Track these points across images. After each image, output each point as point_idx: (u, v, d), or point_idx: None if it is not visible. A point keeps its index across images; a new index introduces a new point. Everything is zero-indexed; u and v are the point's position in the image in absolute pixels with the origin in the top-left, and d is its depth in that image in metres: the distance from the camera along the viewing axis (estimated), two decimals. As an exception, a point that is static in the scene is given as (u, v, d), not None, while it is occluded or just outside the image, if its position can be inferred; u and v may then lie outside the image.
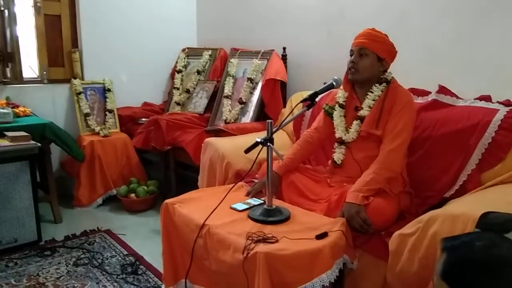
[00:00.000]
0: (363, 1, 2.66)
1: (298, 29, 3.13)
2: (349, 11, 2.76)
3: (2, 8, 3.08)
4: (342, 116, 2.06)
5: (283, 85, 3.13)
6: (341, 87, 2.07)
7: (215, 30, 3.94)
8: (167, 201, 1.88)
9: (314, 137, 2.16)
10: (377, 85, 1.95)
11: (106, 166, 3.29)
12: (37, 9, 3.35)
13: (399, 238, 1.52)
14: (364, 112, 1.96)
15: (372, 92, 1.95)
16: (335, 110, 2.08)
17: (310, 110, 2.36)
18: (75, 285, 2.18)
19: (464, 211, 1.38)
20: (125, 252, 2.53)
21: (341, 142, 2.03)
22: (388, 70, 1.98)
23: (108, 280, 2.23)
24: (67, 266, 2.37)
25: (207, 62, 3.71)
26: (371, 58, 1.92)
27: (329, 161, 2.12)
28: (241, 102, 3.18)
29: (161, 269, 1.96)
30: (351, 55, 1.96)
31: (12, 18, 3.12)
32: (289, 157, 2.10)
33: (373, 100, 1.94)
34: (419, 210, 1.90)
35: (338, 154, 2.03)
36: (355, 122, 1.98)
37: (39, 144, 2.56)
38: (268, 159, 1.73)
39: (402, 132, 1.85)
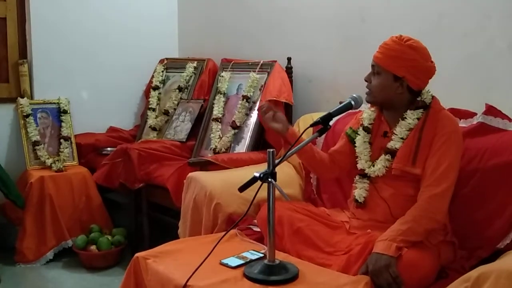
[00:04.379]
0: (388, -1, 2.74)
1: (307, 34, 3.19)
2: (371, 12, 2.82)
3: None
4: (367, 142, 2.07)
5: (287, 104, 3.16)
6: (369, 106, 2.10)
7: (201, 37, 4.02)
8: (138, 254, 1.87)
9: (329, 160, 2.17)
10: (411, 111, 1.97)
11: (59, 210, 3.27)
12: (-24, 11, 3.42)
13: (441, 302, 1.51)
14: (395, 143, 1.96)
15: (405, 119, 1.96)
16: (358, 135, 2.10)
17: (323, 136, 2.39)
18: None
19: (524, 266, 1.37)
20: (82, 324, 2.48)
21: (363, 175, 2.04)
22: (426, 89, 1.99)
23: None
24: None
25: (191, 77, 3.77)
26: (384, 77, 1.94)
27: (349, 200, 2.12)
28: (234, 126, 3.20)
29: None
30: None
31: None
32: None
33: (407, 130, 1.95)
34: (465, 265, 1.89)
35: (360, 190, 2.04)
36: (383, 157, 1.98)
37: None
38: (269, 199, 1.73)
39: (449, 171, 1.85)
